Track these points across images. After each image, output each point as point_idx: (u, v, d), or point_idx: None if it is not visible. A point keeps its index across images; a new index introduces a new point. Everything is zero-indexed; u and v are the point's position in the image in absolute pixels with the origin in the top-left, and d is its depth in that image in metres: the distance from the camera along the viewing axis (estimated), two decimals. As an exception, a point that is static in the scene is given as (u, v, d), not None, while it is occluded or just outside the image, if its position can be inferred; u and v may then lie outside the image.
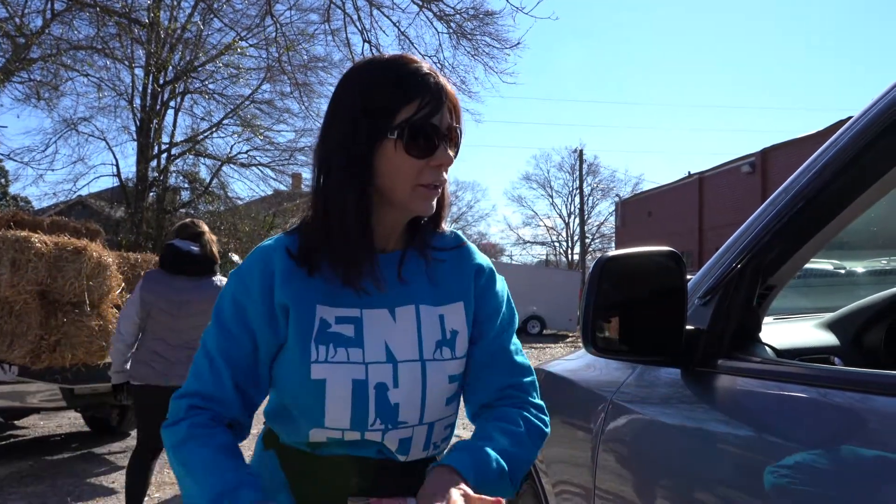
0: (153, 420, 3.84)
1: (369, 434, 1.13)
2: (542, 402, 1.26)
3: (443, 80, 1.12)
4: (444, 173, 1.13)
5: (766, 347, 1.38)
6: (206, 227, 4.08)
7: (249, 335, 1.14)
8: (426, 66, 1.12)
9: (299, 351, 1.12)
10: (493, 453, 1.11)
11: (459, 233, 1.29)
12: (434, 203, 1.14)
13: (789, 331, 1.75)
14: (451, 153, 1.13)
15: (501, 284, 1.29)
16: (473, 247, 1.28)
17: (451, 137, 1.12)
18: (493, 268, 1.28)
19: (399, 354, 1.14)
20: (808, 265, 2.19)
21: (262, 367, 1.16)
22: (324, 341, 1.12)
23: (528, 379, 1.26)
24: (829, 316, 1.80)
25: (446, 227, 1.27)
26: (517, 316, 1.31)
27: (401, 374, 1.13)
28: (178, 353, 3.82)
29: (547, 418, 1.25)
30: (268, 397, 1.27)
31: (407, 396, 1.14)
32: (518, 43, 15.28)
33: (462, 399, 1.27)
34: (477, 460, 1.08)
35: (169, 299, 3.83)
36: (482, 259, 1.28)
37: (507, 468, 1.11)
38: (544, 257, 50.98)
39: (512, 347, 1.27)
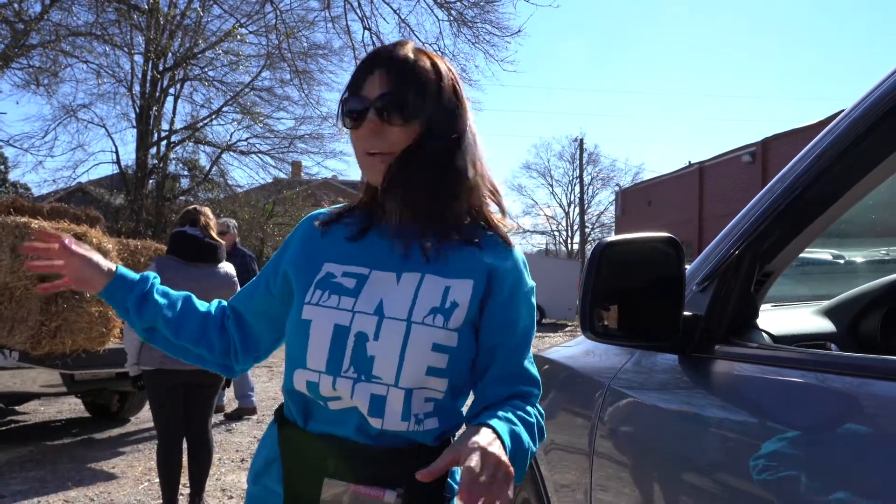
0: (169, 405, 3.86)
1: (341, 381, 1.14)
2: (542, 411, 1.25)
3: (401, 49, 1.19)
4: (378, 140, 1.16)
5: (763, 334, 1.39)
6: (206, 212, 4.11)
7: (268, 276, 1.34)
8: (396, 42, 1.20)
9: (300, 294, 1.22)
10: (525, 434, 1.12)
11: (511, 239, 1.27)
12: (380, 173, 1.18)
13: (786, 317, 1.76)
14: (388, 118, 1.15)
15: (523, 287, 1.24)
16: (518, 252, 1.26)
17: (387, 103, 1.15)
18: (527, 275, 1.26)
19: (388, 311, 1.16)
20: (807, 255, 2.19)
21: (255, 299, 1.36)
22: (322, 287, 1.20)
23: (534, 392, 1.24)
24: (825, 303, 1.81)
25: (499, 221, 1.27)
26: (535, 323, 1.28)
27: (383, 329, 1.15)
28: None
29: (542, 421, 1.23)
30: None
31: (385, 352, 1.14)
32: (519, 31, 15.25)
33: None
34: (513, 434, 1.09)
35: (186, 287, 3.83)
36: (516, 258, 1.25)
37: (532, 450, 1.13)
38: (544, 247, 51.01)
39: (527, 364, 1.24)
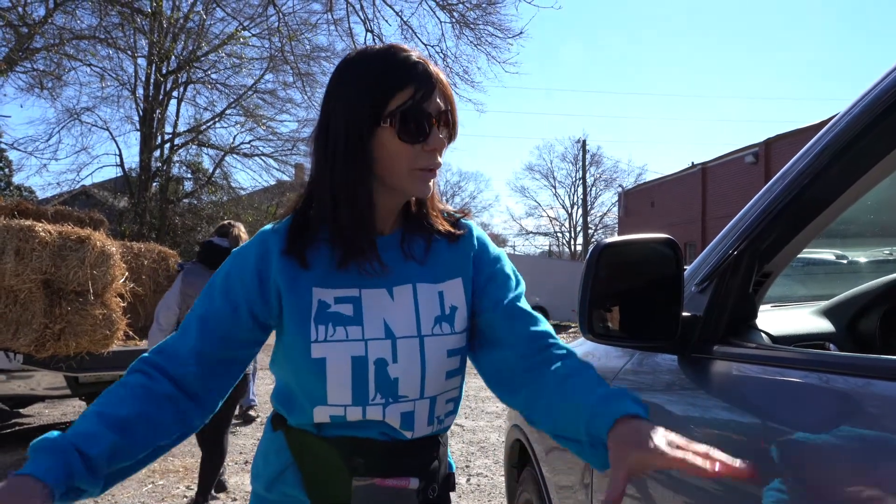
0: None
1: (370, 409, 1.16)
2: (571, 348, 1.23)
3: (433, 67, 1.16)
4: (439, 156, 1.16)
5: (762, 334, 1.39)
6: (239, 227, 4.41)
7: (232, 309, 1.16)
8: (416, 53, 1.16)
9: (299, 332, 1.15)
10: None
11: (460, 216, 1.31)
12: (431, 185, 1.18)
13: (785, 318, 1.76)
14: (444, 137, 1.16)
15: (502, 254, 1.31)
16: (474, 225, 1.32)
17: (444, 121, 1.16)
18: (489, 242, 1.31)
19: (397, 331, 1.17)
20: (808, 255, 2.19)
21: (237, 345, 1.18)
22: (323, 321, 1.15)
23: (550, 328, 1.25)
24: (824, 303, 1.81)
25: (442, 206, 1.30)
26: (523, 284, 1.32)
27: (399, 350, 1.16)
28: None
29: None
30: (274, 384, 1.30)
31: (406, 371, 1.17)
32: (521, 32, 15.29)
33: (480, 369, 1.28)
34: (647, 407, 1.02)
35: None
36: (477, 234, 1.30)
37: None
38: (547, 248, 50.98)
39: (526, 310, 1.26)
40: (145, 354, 1.17)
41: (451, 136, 1.19)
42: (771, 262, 1.39)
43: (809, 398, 1.09)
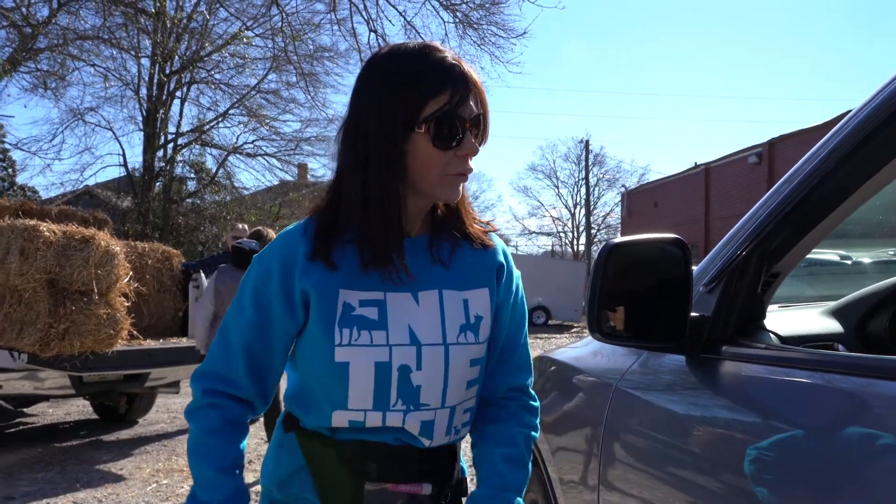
0: None
1: (391, 415, 1.15)
2: (537, 404, 1.33)
3: (468, 68, 1.13)
4: (471, 162, 1.15)
5: (771, 334, 1.39)
6: (271, 232, 5.11)
7: (267, 320, 1.17)
8: (451, 55, 1.13)
9: (323, 335, 1.14)
10: (519, 501, 1.22)
11: (489, 227, 1.29)
12: (460, 190, 1.17)
13: (793, 318, 1.76)
14: (478, 142, 1.15)
15: (519, 280, 1.32)
16: (499, 240, 1.31)
17: (477, 125, 1.13)
18: (513, 264, 1.31)
19: (423, 338, 1.16)
20: (814, 256, 2.18)
21: (277, 354, 1.20)
22: (348, 324, 1.13)
23: (531, 380, 1.33)
24: (832, 304, 1.81)
25: (474, 213, 1.29)
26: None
27: (424, 357, 1.15)
28: None
29: (537, 419, 1.32)
30: (285, 382, 1.30)
31: (429, 379, 1.16)
32: (524, 32, 15.27)
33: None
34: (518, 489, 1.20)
35: (236, 287, 4.21)
36: (505, 253, 1.31)
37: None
38: (550, 248, 50.94)
39: (523, 343, 1.32)
40: (205, 384, 1.19)
41: (483, 139, 1.16)
42: (779, 262, 1.39)
43: (819, 399, 1.09)
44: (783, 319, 1.67)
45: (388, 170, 1.11)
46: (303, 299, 1.16)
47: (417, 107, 1.09)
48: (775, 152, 23.05)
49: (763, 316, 1.39)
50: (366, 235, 1.14)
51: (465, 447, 1.33)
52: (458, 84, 1.10)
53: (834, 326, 1.70)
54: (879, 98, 1.13)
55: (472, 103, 1.12)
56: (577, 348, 2.22)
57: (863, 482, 0.92)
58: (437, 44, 1.15)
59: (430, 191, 1.15)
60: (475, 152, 1.14)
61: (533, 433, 1.30)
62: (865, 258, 2.67)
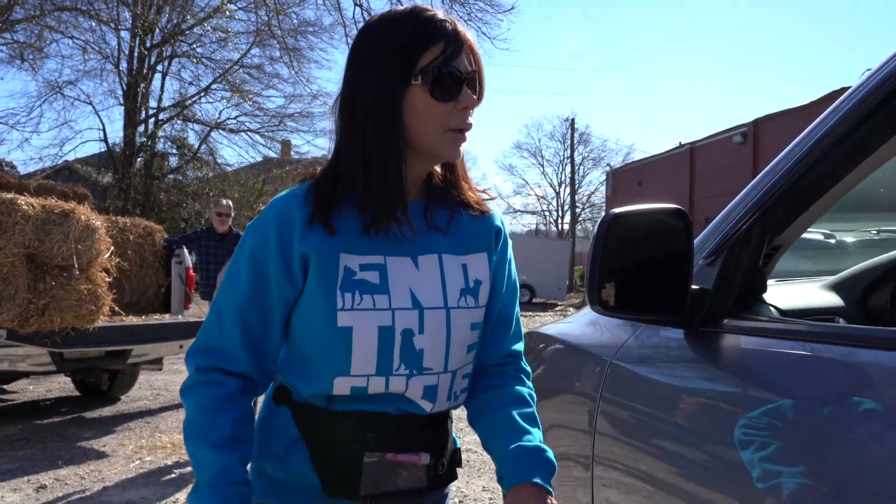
0: None
1: (394, 380, 1.14)
2: (530, 370, 1.35)
3: (461, 26, 1.14)
4: (470, 117, 1.14)
5: (771, 308, 1.37)
6: None
7: (264, 287, 1.14)
8: (441, 13, 1.13)
9: (324, 299, 1.12)
10: (551, 455, 1.18)
11: (486, 195, 1.29)
12: (462, 149, 1.16)
13: (794, 292, 1.74)
14: (479, 97, 1.15)
15: (511, 251, 1.33)
16: (496, 207, 1.32)
17: (473, 84, 1.13)
18: (507, 232, 1.33)
19: (425, 301, 1.16)
20: (812, 235, 2.17)
21: (274, 324, 1.17)
22: (349, 289, 1.12)
23: (522, 346, 1.35)
24: (833, 277, 1.79)
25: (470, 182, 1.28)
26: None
27: (426, 321, 1.15)
28: None
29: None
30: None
31: (432, 343, 1.16)
32: (512, 8, 15.18)
33: None
34: (551, 469, 1.16)
35: None
36: (502, 220, 1.32)
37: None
38: (534, 227, 51.06)
39: (516, 312, 1.33)
40: (199, 360, 1.15)
41: (479, 98, 1.16)
42: (781, 235, 1.36)
43: (820, 371, 1.07)
44: (783, 293, 1.65)
45: (386, 126, 1.10)
46: (301, 263, 1.13)
47: (412, 58, 1.09)
48: (760, 132, 23.15)
49: (764, 289, 1.37)
50: (368, 196, 1.12)
51: (460, 427, 1.31)
52: (449, 37, 1.11)
53: (834, 300, 1.69)
54: (887, 69, 1.10)
55: (465, 60, 1.12)
56: (569, 323, 2.19)
57: (864, 454, 0.91)
58: (427, 6, 1.15)
59: (432, 148, 1.13)
60: (474, 104, 1.13)
61: (534, 395, 1.30)
62: (849, 238, 2.67)
